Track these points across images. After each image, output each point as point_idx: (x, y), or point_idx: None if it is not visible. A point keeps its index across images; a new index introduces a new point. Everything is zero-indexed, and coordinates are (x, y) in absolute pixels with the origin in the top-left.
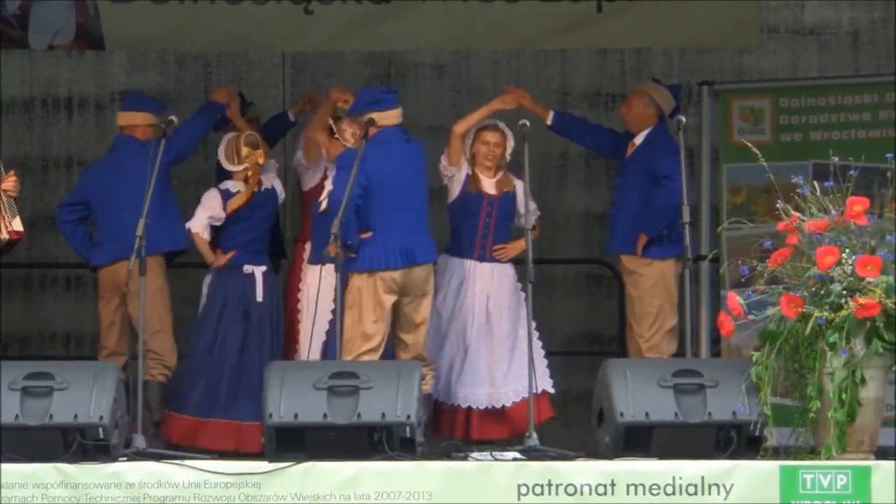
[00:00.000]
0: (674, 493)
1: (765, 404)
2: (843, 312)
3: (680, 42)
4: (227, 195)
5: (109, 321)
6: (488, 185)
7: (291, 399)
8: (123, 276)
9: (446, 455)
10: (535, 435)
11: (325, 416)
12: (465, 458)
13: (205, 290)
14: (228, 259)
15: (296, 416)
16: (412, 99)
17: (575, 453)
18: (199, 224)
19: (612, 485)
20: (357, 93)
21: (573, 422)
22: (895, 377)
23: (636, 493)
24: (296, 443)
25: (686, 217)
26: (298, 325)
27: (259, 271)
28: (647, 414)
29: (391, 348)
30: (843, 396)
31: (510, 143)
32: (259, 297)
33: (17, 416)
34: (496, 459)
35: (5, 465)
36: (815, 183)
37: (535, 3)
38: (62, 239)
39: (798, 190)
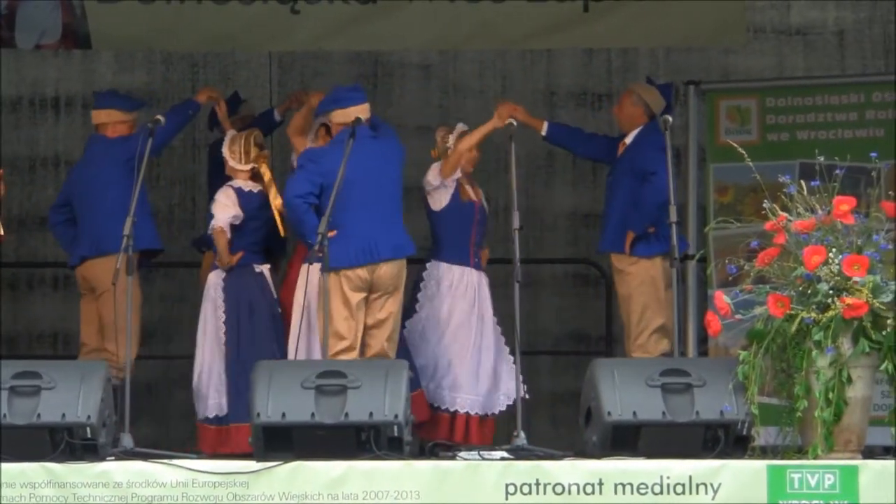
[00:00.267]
0: (661, 493)
1: (752, 404)
2: (831, 312)
3: (666, 42)
4: (240, 193)
5: (87, 319)
6: (472, 192)
7: (279, 398)
8: (93, 275)
9: (434, 454)
10: (522, 434)
11: (312, 415)
12: (452, 458)
13: (213, 292)
14: (238, 259)
15: (283, 415)
16: (399, 98)
17: (563, 453)
18: (224, 222)
19: (600, 484)
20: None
21: (561, 421)
22: (884, 377)
23: (624, 493)
24: (283, 442)
25: (673, 216)
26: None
27: (266, 269)
28: (634, 413)
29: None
30: (830, 396)
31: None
32: (273, 295)
33: (4, 415)
34: (484, 459)
35: None
36: (802, 182)
37: (522, 3)
38: (50, 238)
39: (785, 189)
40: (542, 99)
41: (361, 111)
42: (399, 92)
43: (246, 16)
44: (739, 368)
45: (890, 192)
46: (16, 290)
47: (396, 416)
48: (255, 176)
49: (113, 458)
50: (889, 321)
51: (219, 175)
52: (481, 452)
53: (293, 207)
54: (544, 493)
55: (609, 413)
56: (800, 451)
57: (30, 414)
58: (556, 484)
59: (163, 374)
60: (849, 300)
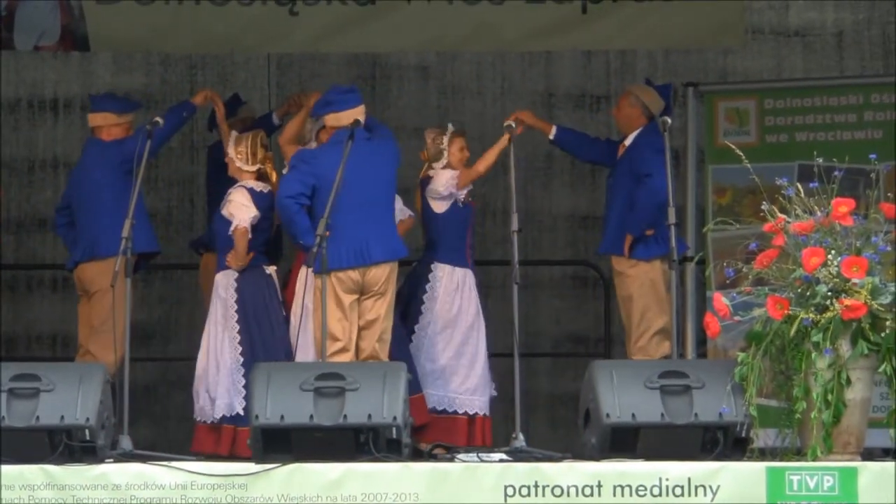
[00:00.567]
0: (660, 495)
1: (751, 405)
2: (829, 314)
3: (664, 43)
4: (253, 193)
5: (83, 321)
6: (467, 194)
7: (278, 400)
8: (87, 278)
9: (432, 456)
10: (521, 436)
11: (311, 417)
12: (451, 460)
13: (223, 292)
14: (249, 260)
15: (282, 417)
16: (397, 100)
17: (561, 454)
18: (248, 222)
19: (599, 486)
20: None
21: (559, 423)
22: (883, 378)
23: (622, 495)
24: (282, 444)
25: (672, 218)
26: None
27: (273, 271)
28: (633, 415)
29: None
30: (829, 397)
31: None
32: (280, 297)
33: (3, 417)
34: (482, 461)
35: None
36: (800, 184)
37: (520, 4)
38: (49, 240)
39: (783, 191)
40: (540, 101)
41: (357, 114)
42: (397, 93)
43: (244, 17)
44: (738, 370)
45: (889, 194)
46: (15, 291)
47: (395, 418)
48: (260, 177)
49: (112, 460)
50: (888, 323)
51: (218, 177)
52: (480, 454)
53: (284, 208)
54: (543, 494)
55: (608, 415)
56: (799, 453)
57: (28, 416)
58: (555, 486)
59: (161, 376)
60: (847, 302)
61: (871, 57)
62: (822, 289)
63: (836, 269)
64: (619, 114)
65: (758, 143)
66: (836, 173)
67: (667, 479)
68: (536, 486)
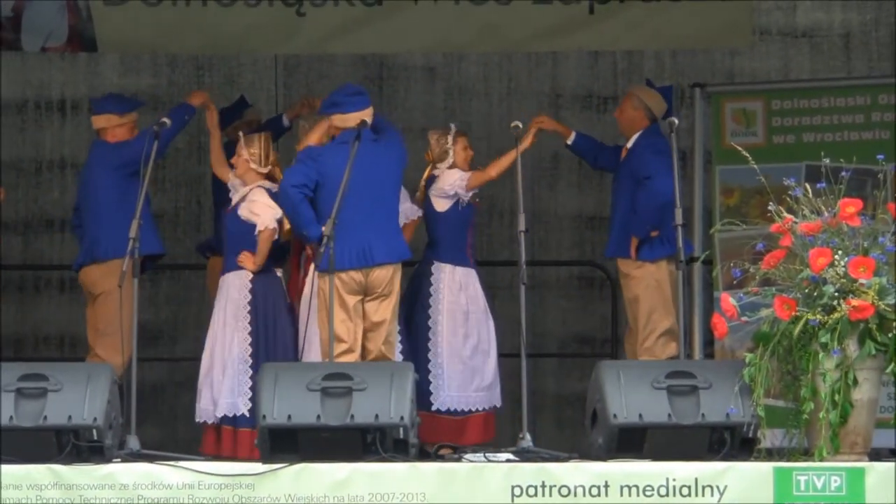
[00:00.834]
0: (667, 495)
1: (758, 406)
2: (837, 314)
3: (671, 44)
4: (271, 194)
5: (91, 323)
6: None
7: (285, 400)
8: (90, 280)
9: (439, 456)
10: (528, 436)
11: (318, 417)
12: (458, 460)
13: (236, 293)
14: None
15: (289, 417)
16: (403, 101)
17: (568, 455)
18: (274, 223)
19: (606, 486)
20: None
21: (566, 423)
22: (890, 379)
23: (629, 495)
24: (289, 444)
25: (679, 219)
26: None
27: (281, 273)
28: (640, 415)
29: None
30: (836, 398)
31: None
32: (287, 298)
33: (11, 417)
34: (489, 461)
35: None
36: (807, 185)
37: (527, 5)
38: (56, 241)
39: (790, 192)
40: (547, 101)
41: (364, 116)
42: (404, 94)
43: (251, 18)
44: (745, 370)
45: None
46: (22, 292)
47: (402, 418)
48: (268, 179)
49: (119, 459)
50: (895, 323)
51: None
52: (487, 454)
53: (288, 196)
54: (550, 494)
55: (615, 415)
56: (806, 454)
57: (36, 416)
58: (562, 486)
59: (169, 376)
60: (855, 302)
61: (878, 58)
62: (830, 289)
63: (844, 269)
64: (622, 116)
65: (765, 143)
66: (843, 174)
67: (674, 480)
68: (543, 486)
